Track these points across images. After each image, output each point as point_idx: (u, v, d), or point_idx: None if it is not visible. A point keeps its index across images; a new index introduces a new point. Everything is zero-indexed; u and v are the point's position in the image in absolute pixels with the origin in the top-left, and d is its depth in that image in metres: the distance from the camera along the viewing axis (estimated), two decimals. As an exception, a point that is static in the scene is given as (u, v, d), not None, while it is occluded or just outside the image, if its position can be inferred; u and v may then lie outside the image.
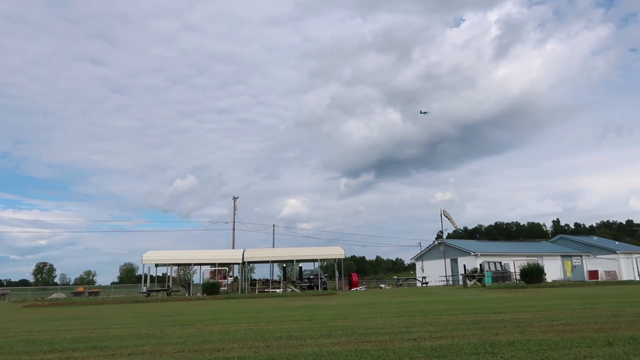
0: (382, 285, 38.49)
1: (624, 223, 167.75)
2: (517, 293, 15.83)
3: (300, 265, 33.40)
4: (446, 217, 43.34)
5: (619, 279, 41.34)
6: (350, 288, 33.87)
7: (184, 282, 40.10)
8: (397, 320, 7.19)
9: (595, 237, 52.97)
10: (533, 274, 21.61)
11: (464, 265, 30.63)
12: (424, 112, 60.73)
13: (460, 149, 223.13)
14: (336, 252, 35.87)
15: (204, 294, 24.89)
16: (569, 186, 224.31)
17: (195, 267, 42.20)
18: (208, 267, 34.31)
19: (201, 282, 32.96)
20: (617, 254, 45.81)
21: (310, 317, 8.09)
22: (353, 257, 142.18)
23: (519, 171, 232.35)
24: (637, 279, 22.65)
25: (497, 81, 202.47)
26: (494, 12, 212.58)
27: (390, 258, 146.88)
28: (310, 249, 37.87)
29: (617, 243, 52.63)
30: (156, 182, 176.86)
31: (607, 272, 43.23)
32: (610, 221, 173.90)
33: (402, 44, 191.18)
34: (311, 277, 35.78)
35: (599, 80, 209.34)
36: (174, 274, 42.34)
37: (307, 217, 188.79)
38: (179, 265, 41.30)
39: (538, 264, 22.77)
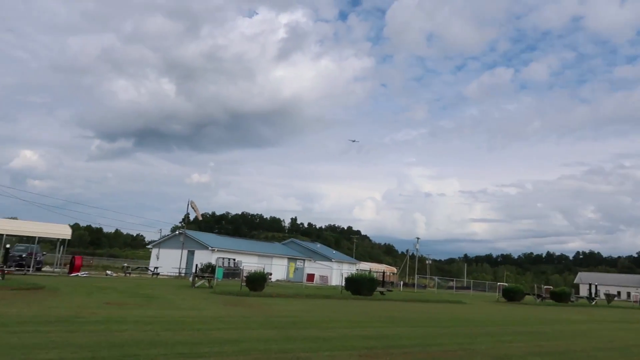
0: (109, 272, 35.80)
1: (346, 228, 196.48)
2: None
3: (7, 245, 28.43)
4: (192, 208, 43.08)
5: (328, 284, 47.75)
6: (69, 273, 30.41)
7: None
8: None
9: (319, 245, 60.39)
10: (257, 282, 22.99)
11: (197, 265, 30.78)
12: (353, 141, 79.28)
13: (226, 135, 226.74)
14: (61, 231, 31.78)
15: None
16: (310, 189, 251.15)
17: None
18: None
19: None
20: (332, 261, 52.99)
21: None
22: (89, 227, 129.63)
23: (273, 168, 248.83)
24: (342, 284, 26.68)
25: (273, 80, 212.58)
26: (285, 15, 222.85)
27: (131, 233, 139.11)
28: (25, 223, 32.61)
29: (334, 252, 60.98)
30: None
31: (321, 277, 49.54)
32: (336, 225, 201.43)
33: (193, 16, 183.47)
34: (23, 255, 30.87)
35: (354, 103, 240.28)
36: None
37: (43, 175, 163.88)
38: None
39: (263, 273, 24.32)
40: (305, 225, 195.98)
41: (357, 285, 26.55)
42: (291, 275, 49.63)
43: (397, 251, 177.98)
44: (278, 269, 46.91)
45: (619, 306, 42.10)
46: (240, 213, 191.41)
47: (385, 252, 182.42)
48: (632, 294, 73.67)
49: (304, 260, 52.66)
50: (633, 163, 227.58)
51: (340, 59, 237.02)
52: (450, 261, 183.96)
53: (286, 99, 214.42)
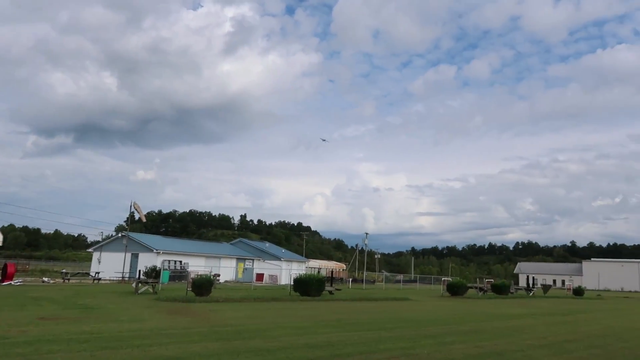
0: (45, 279, 33.98)
1: (296, 225, 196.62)
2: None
3: None
4: (136, 209, 41.62)
5: (278, 283, 47.58)
6: (1, 282, 28.60)
7: None
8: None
9: (268, 244, 60.05)
10: (203, 286, 22.50)
11: (140, 271, 29.77)
12: (323, 140, 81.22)
13: (172, 131, 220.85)
14: (-10, 237, 29.81)
15: None
16: (260, 185, 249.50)
17: None
18: None
19: None
20: (281, 260, 52.83)
21: None
22: (25, 228, 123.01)
23: (222, 164, 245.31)
24: (291, 283, 26.18)
25: (220, 75, 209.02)
26: (231, 9, 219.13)
27: (72, 233, 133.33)
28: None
29: (283, 251, 60.79)
30: None
31: (271, 277, 49.26)
32: (286, 221, 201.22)
33: (135, 7, 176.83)
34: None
35: (303, 98, 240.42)
36: None
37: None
38: None
39: (209, 277, 23.84)
40: (255, 222, 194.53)
41: (306, 286, 26.56)
42: (240, 276, 49.07)
43: (347, 246, 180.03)
44: (227, 270, 46.24)
45: (555, 296, 44.51)
46: (188, 211, 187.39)
47: (335, 247, 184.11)
48: (566, 282, 78.11)
49: (253, 260, 52.19)
50: (567, 157, 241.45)
51: (287, 54, 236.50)
52: (399, 254, 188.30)
53: (234, 93, 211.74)
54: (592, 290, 73.07)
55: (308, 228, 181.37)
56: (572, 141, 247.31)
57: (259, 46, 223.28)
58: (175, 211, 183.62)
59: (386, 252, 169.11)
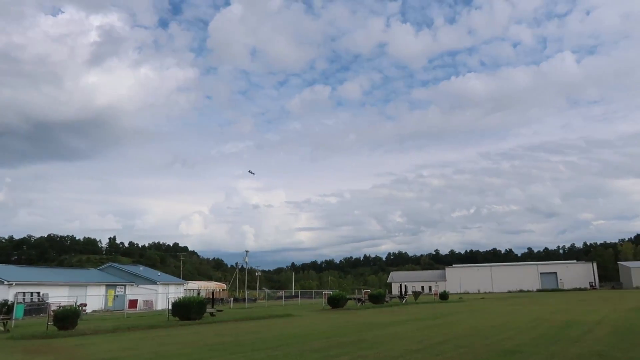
0: None
1: (172, 245, 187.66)
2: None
3: None
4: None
5: (154, 309, 44.75)
6: None
7: None
8: None
9: (141, 267, 56.26)
10: (67, 319, 20.28)
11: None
12: (251, 172, 78.49)
13: (27, 147, 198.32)
14: None
15: None
16: (131, 205, 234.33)
17: None
18: None
19: None
20: (157, 284, 49.82)
21: None
22: None
23: (87, 183, 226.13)
24: (169, 307, 24.32)
25: (85, 87, 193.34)
26: (97, 17, 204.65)
27: None
28: None
29: (159, 274, 57.45)
30: None
31: (146, 302, 46.16)
32: (161, 242, 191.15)
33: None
34: None
35: (178, 114, 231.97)
36: None
37: None
38: None
39: (74, 307, 21.60)
40: (126, 244, 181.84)
41: (186, 310, 25.33)
42: (110, 304, 45.15)
43: (226, 265, 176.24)
44: (94, 299, 42.27)
45: (424, 302, 47.92)
46: (46, 235, 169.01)
47: (214, 267, 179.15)
48: (433, 288, 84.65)
49: (125, 285, 48.39)
50: (430, 172, 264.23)
51: (161, 68, 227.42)
52: (279, 271, 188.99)
53: (101, 107, 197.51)
54: (455, 293, 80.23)
55: (185, 248, 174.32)
56: (434, 158, 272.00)
57: (130, 58, 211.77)
58: (31, 236, 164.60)
59: (267, 269, 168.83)
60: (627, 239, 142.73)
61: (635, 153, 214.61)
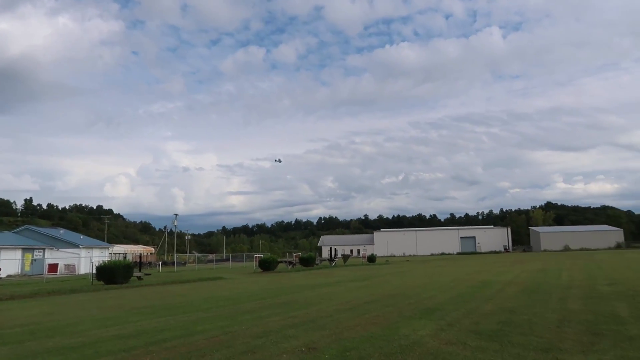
0: None
1: (95, 208, 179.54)
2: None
3: None
4: None
5: (77, 273, 42.97)
6: None
7: None
8: None
9: (62, 230, 53.42)
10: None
11: None
12: (278, 161, 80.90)
13: None
14: None
15: None
16: (50, 165, 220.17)
17: None
18: None
19: None
20: (80, 248, 47.69)
21: None
22: None
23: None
24: (93, 272, 23.80)
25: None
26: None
27: None
28: None
29: (81, 237, 54.93)
30: None
31: (67, 266, 44.19)
32: (83, 205, 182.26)
33: None
34: None
35: (102, 70, 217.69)
36: None
37: None
38: None
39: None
40: (45, 206, 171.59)
41: (111, 274, 24.57)
42: (27, 269, 42.72)
43: (154, 229, 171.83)
44: (10, 263, 39.78)
45: (353, 264, 49.59)
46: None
47: (142, 230, 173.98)
48: (361, 251, 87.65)
49: (43, 249, 45.84)
50: (362, 140, 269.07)
51: (82, 19, 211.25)
52: (210, 234, 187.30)
53: (13, 57, 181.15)
54: (382, 256, 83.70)
55: (110, 211, 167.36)
56: (366, 125, 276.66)
57: (46, 6, 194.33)
58: None
59: (197, 233, 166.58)
60: (538, 206, 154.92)
61: (550, 127, 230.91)
